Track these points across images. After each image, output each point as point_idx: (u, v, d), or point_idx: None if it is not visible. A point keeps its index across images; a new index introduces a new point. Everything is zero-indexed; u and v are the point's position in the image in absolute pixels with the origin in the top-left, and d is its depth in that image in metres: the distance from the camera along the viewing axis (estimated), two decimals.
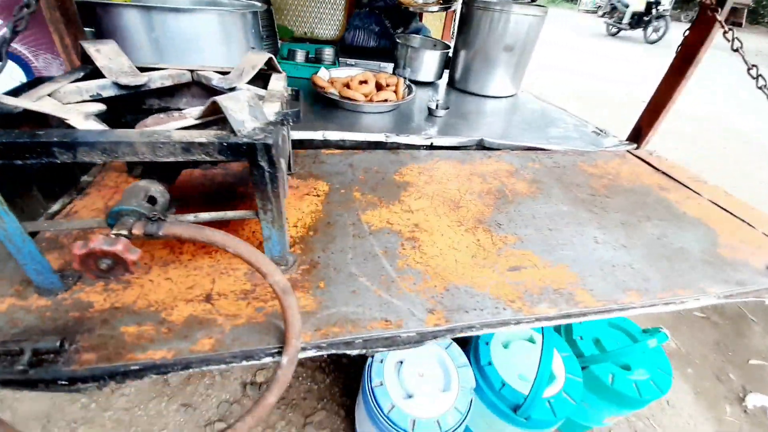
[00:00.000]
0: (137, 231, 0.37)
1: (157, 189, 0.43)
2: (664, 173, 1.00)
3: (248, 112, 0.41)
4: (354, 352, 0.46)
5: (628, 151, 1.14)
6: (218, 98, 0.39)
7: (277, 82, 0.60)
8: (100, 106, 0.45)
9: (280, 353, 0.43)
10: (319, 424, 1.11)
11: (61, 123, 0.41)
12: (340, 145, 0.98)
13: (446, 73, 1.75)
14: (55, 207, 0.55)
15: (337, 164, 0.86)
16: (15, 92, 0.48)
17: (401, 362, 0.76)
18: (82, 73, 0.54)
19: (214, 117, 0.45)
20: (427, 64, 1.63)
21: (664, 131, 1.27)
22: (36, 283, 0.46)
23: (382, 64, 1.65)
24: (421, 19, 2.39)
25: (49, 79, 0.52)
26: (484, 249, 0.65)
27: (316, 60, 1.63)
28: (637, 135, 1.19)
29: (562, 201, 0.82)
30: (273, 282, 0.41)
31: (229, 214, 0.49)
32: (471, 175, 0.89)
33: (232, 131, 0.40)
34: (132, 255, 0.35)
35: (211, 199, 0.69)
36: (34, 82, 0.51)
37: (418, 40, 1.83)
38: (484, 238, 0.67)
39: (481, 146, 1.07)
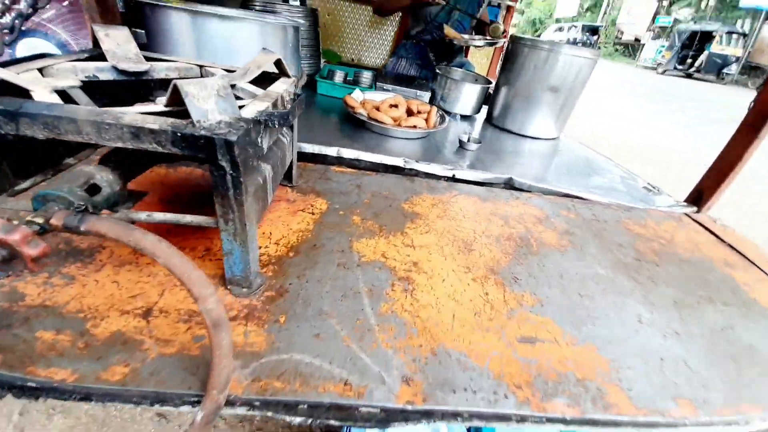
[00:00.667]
0: (55, 221, 0.31)
1: (104, 177, 0.37)
2: (730, 246, 0.83)
3: (215, 102, 0.35)
4: (296, 420, 0.35)
5: (686, 214, 0.97)
6: (180, 81, 0.33)
7: (281, 85, 0.55)
8: (72, 82, 0.41)
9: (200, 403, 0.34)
10: None
11: (26, 95, 0.37)
12: (354, 165, 0.92)
13: (485, 109, 1.69)
14: (24, 185, 0.52)
15: (344, 183, 0.79)
16: (11, 62, 0.46)
17: None
18: (86, 55, 0.52)
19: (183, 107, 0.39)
20: (465, 96, 1.57)
21: (729, 199, 1.08)
22: None
23: (419, 93, 1.62)
24: (466, 55, 2.38)
25: (52, 55, 0.50)
26: (492, 307, 0.53)
27: (353, 82, 1.63)
28: (698, 197, 1.02)
29: (598, 262, 0.68)
30: (203, 310, 0.32)
31: (187, 218, 0.42)
32: (492, 215, 0.77)
33: (192, 122, 0.34)
34: (32, 249, 0.28)
35: (192, 202, 0.63)
36: (38, 56, 0.49)
37: (459, 73, 1.79)
38: (495, 293, 0.56)
39: (510, 186, 0.96)
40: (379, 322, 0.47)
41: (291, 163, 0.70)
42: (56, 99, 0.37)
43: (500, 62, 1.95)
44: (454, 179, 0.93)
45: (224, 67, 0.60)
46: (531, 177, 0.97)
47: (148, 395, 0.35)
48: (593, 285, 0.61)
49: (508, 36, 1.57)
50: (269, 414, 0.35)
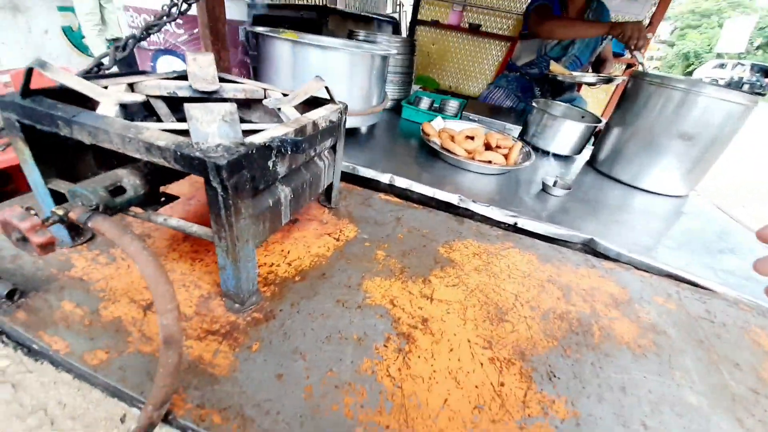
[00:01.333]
0: (72, 215, 0.36)
1: (130, 180, 0.42)
2: None
3: (217, 127, 0.36)
4: None
5: None
6: (188, 105, 0.35)
7: (322, 111, 0.55)
8: (139, 98, 0.48)
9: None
10: None
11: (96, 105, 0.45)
12: (406, 195, 0.87)
13: (589, 151, 1.46)
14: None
15: (384, 213, 0.76)
16: (116, 75, 0.58)
17: None
18: (176, 74, 0.62)
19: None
20: (564, 134, 1.38)
21: None
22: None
23: (508, 125, 1.49)
24: (579, 90, 2.12)
25: (151, 73, 0.61)
26: (503, 405, 0.41)
27: (439, 109, 1.60)
28: None
29: (692, 383, 0.48)
30: (160, 324, 0.33)
31: (194, 228, 0.44)
32: (548, 282, 0.63)
33: (191, 143, 0.36)
34: (38, 237, 0.33)
35: None
36: (140, 72, 0.61)
37: (562, 108, 1.59)
38: (514, 386, 0.44)
39: (589, 249, 0.77)
40: (353, 380, 0.41)
41: (331, 184, 0.70)
42: (115, 112, 0.43)
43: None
44: (514, 228, 0.80)
45: (282, 91, 0.64)
46: (626, 243, 0.77)
47: (110, 387, 0.36)
48: (671, 416, 0.43)
49: (632, 72, 1.33)
50: None
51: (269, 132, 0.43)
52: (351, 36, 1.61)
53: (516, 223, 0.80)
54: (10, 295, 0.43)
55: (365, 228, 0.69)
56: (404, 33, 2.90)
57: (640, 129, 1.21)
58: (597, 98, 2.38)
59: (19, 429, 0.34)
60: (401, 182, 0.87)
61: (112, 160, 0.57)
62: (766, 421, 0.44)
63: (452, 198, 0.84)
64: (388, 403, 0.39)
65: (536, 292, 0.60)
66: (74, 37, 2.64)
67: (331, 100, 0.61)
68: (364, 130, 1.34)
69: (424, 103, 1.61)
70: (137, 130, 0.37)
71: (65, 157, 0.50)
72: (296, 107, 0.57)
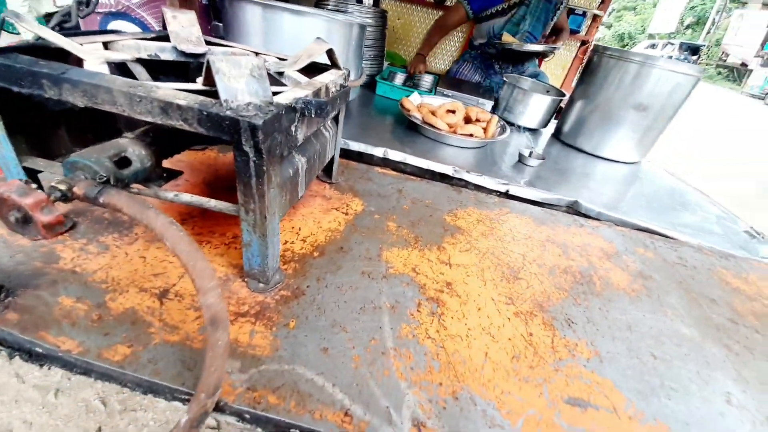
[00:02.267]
0: (78, 190, 0.31)
1: (136, 151, 0.37)
2: None
3: (246, 83, 0.32)
4: None
5: None
6: (213, 57, 0.31)
7: (329, 76, 0.52)
8: (127, 56, 0.42)
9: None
10: None
11: (79, 63, 0.38)
12: (401, 168, 0.87)
13: (554, 124, 1.54)
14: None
15: (385, 186, 0.75)
16: (82, 33, 0.49)
17: None
18: (153, 35, 0.54)
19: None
20: (533, 108, 1.45)
21: None
22: None
23: (482, 101, 1.52)
24: (540, 65, 2.21)
25: (125, 33, 0.53)
26: (536, 352, 0.44)
27: (413, 85, 1.59)
28: None
29: (681, 318, 0.55)
30: (204, 304, 0.30)
31: (212, 203, 0.40)
32: (547, 241, 0.67)
33: (220, 101, 0.32)
34: (45, 216, 0.28)
35: (228, 187, 0.63)
36: (111, 31, 0.52)
37: (529, 83, 1.66)
38: (541, 335, 0.47)
39: (574, 211, 0.83)
40: (397, 345, 0.41)
41: (332, 158, 0.67)
42: (104, 70, 0.37)
43: (578, 74, 1.78)
44: (507, 195, 0.84)
45: (278, 56, 0.59)
46: (602, 204, 0.84)
47: (142, 383, 0.33)
48: (672, 346, 0.49)
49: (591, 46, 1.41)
50: (258, 430, 0.32)
51: (291, 93, 0.40)
52: (319, 4, 1.51)
53: (508, 191, 0.84)
54: None
55: (370, 201, 0.68)
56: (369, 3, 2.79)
57: (600, 101, 1.30)
58: (555, 75, 2.51)
59: None
60: (395, 155, 0.86)
61: (88, 135, 0.49)
62: (746, 345, 0.52)
63: (447, 169, 0.85)
64: (435, 362, 0.40)
65: (539, 252, 0.64)
66: None
67: (335, 65, 0.57)
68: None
69: (399, 78, 1.58)
70: (147, 89, 0.32)
71: (37, 131, 0.42)
72: (300, 72, 0.53)
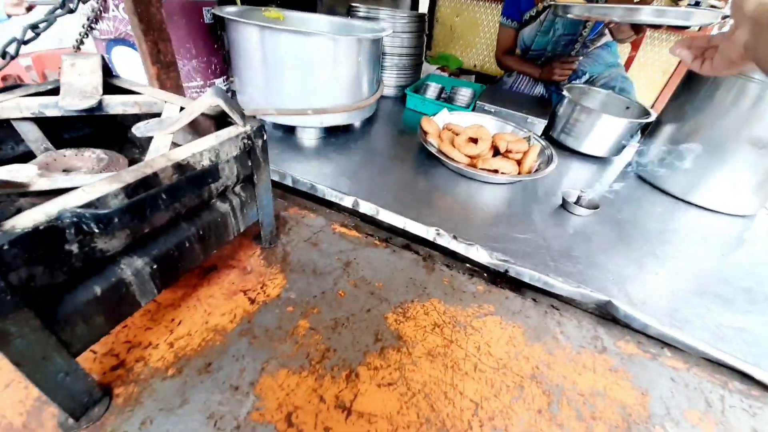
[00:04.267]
0: None
1: None
2: None
3: None
4: None
5: None
6: None
7: (206, 142, 0.39)
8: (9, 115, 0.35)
9: None
10: None
11: None
12: (377, 222, 0.70)
13: (631, 151, 1.19)
14: None
15: (332, 255, 0.60)
16: None
17: None
18: (49, 87, 0.48)
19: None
20: (600, 132, 1.12)
21: None
22: None
23: (531, 119, 1.23)
24: (627, 68, 1.74)
25: (19, 86, 0.48)
26: None
27: (448, 99, 1.37)
28: None
29: None
30: None
31: None
32: (530, 379, 0.45)
33: None
34: None
35: None
36: (10, 86, 0.48)
37: (601, 97, 1.30)
38: None
39: (606, 314, 0.57)
40: None
41: (257, 223, 0.55)
42: None
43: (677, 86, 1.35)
44: (505, 277, 0.61)
45: (184, 105, 0.48)
46: (660, 296, 0.56)
47: None
48: None
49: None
50: None
51: (63, 200, 0.28)
52: (350, 12, 1.39)
53: (507, 271, 0.61)
54: None
55: (296, 281, 0.54)
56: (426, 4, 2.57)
57: (700, 128, 0.93)
58: (652, 80, 1.96)
59: None
60: (366, 207, 0.70)
61: None
62: None
63: (427, 232, 0.66)
64: None
65: (509, 400, 0.42)
66: None
67: (232, 122, 0.44)
68: (357, 125, 1.16)
69: (432, 90, 1.38)
70: None
71: None
72: (190, 129, 0.42)
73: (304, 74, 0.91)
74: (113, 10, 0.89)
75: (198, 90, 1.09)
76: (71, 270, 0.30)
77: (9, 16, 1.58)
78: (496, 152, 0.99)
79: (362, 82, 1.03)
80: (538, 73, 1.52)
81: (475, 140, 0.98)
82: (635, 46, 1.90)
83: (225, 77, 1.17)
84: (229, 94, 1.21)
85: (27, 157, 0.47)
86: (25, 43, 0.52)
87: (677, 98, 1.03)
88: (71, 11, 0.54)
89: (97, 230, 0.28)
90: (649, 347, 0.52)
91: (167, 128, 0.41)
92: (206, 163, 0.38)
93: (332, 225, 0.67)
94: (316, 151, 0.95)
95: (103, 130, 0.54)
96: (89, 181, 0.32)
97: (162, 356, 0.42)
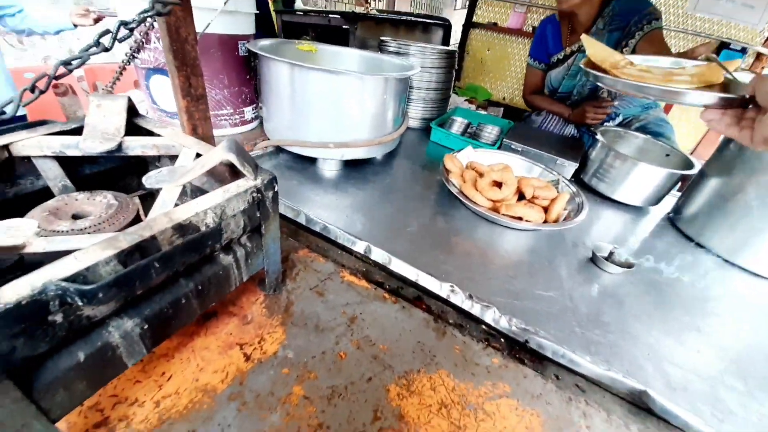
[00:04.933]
0: None
1: None
2: None
3: None
4: None
5: None
6: None
7: (207, 200, 0.38)
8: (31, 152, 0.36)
9: None
10: None
11: None
12: (389, 271, 0.67)
13: (670, 201, 1.10)
14: None
15: (336, 308, 0.56)
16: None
17: None
18: (73, 126, 0.50)
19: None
20: (636, 180, 1.05)
21: None
22: None
23: (561, 161, 1.17)
24: (667, 110, 1.65)
25: (45, 123, 0.50)
26: None
27: (474, 135, 1.34)
28: None
29: None
30: None
31: None
32: None
33: None
34: None
35: None
36: (37, 123, 0.49)
37: (639, 143, 1.23)
38: None
39: (641, 402, 0.50)
40: None
41: (263, 271, 0.53)
42: None
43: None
44: (525, 348, 0.56)
45: (200, 151, 0.48)
46: (701, 386, 0.49)
47: None
48: None
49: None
50: None
51: (53, 270, 0.27)
52: (380, 46, 1.42)
53: (527, 341, 0.55)
54: None
55: (297, 336, 0.51)
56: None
57: (750, 182, 0.86)
58: (695, 125, 1.84)
59: None
60: (378, 255, 0.67)
61: None
62: None
63: (441, 288, 0.61)
64: None
65: None
66: None
67: (242, 175, 0.43)
68: (379, 158, 1.16)
69: (457, 125, 1.36)
70: None
71: None
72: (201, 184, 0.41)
73: (330, 110, 0.92)
74: (154, 42, 0.94)
75: (228, 117, 1.12)
76: (53, 339, 0.28)
77: (75, 25, 1.70)
78: (522, 196, 0.94)
79: (387, 118, 1.03)
80: (568, 113, 1.47)
81: (499, 184, 0.93)
82: None
83: (254, 105, 1.20)
84: (258, 120, 1.25)
85: (45, 192, 0.48)
86: (57, 78, 0.55)
87: (724, 147, 0.95)
88: (106, 50, 0.56)
89: (81, 303, 0.26)
90: None
91: (177, 180, 0.40)
92: (210, 222, 0.37)
93: (341, 272, 0.64)
94: (335, 183, 0.94)
95: (123, 166, 0.55)
96: (85, 243, 0.31)
97: (146, 416, 0.39)
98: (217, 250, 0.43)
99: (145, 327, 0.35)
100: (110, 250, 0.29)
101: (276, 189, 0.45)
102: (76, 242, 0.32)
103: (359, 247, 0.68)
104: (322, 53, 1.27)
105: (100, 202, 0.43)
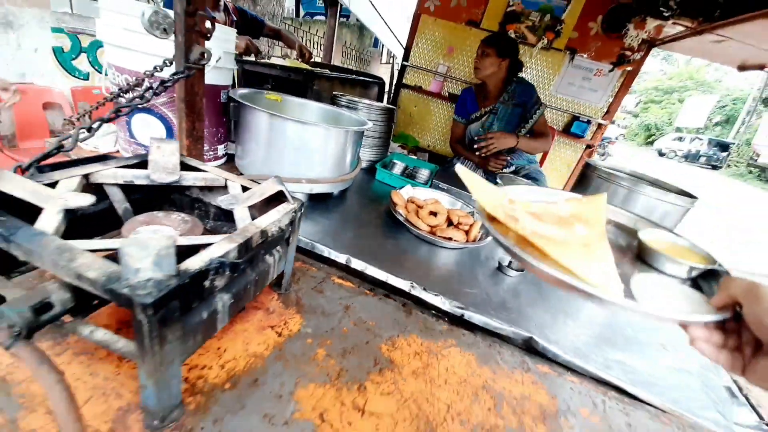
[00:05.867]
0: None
1: (59, 297, 0.42)
2: None
3: (151, 261, 0.38)
4: None
5: None
6: (124, 243, 0.37)
7: (273, 215, 0.58)
8: (85, 201, 0.49)
9: None
10: None
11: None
12: (363, 275, 0.90)
13: None
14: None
15: (334, 301, 0.77)
16: (77, 162, 0.60)
17: None
18: (136, 161, 0.64)
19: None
20: None
21: None
22: None
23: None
24: (543, 160, 2.29)
25: (112, 158, 0.63)
26: None
27: (410, 176, 1.69)
28: None
29: None
30: None
31: (120, 343, 0.44)
32: (482, 389, 0.65)
33: (120, 277, 0.37)
34: None
35: None
36: (100, 157, 0.62)
37: (524, 184, 1.71)
38: None
39: (529, 347, 0.81)
40: None
41: (282, 273, 0.71)
42: (57, 222, 0.44)
43: (574, 182, 1.81)
44: (461, 321, 0.83)
45: (243, 183, 0.67)
46: (567, 341, 0.81)
47: None
48: None
49: (586, 159, 1.47)
50: None
51: (209, 252, 0.45)
52: (333, 100, 1.70)
53: (463, 315, 0.83)
54: None
55: (311, 320, 0.70)
56: (391, 92, 3.09)
57: None
58: (559, 172, 2.58)
59: None
60: (357, 264, 0.90)
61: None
62: None
63: (404, 285, 0.87)
64: None
65: (469, 402, 0.61)
66: (63, 59, 2.66)
67: (286, 199, 0.64)
68: (336, 193, 1.39)
69: (398, 168, 1.69)
70: (71, 256, 0.38)
71: None
72: (252, 206, 0.60)
73: (301, 152, 1.13)
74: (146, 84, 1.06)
75: (204, 153, 1.25)
76: (201, 298, 0.45)
77: None
78: (450, 223, 1.27)
79: (346, 161, 1.29)
80: (477, 160, 1.95)
81: (434, 213, 1.25)
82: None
83: (226, 144, 1.35)
84: (226, 157, 1.39)
85: (108, 211, 0.60)
86: (107, 121, 0.68)
87: (575, 188, 1.44)
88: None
89: (223, 273, 0.44)
90: (558, 369, 0.75)
91: (243, 203, 0.59)
92: (275, 231, 0.57)
93: (331, 277, 0.84)
94: (304, 213, 1.14)
95: (156, 194, 0.69)
96: (215, 240, 0.49)
97: (217, 375, 0.54)
98: (266, 253, 0.61)
99: (231, 302, 0.52)
100: (233, 243, 0.48)
101: (303, 210, 0.66)
102: (205, 240, 0.49)
103: (341, 258, 0.90)
104: (286, 102, 1.50)
105: (175, 219, 0.58)
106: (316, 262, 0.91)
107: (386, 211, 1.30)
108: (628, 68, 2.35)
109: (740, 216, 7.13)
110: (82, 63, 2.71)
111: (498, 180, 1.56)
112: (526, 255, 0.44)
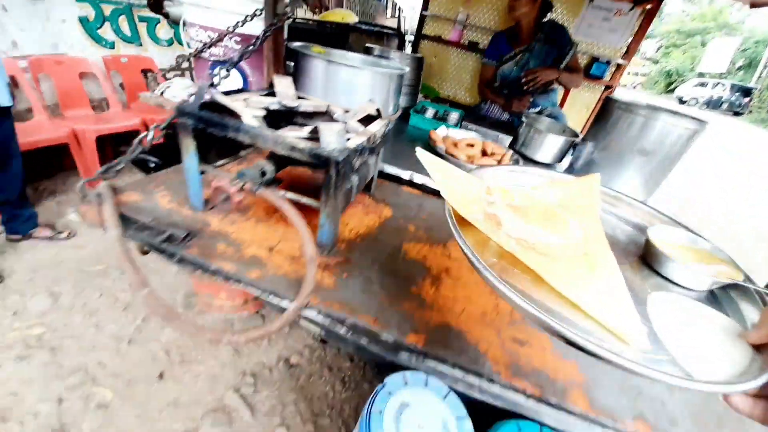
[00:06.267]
0: (247, 186, 0.60)
1: (268, 168, 0.66)
2: None
3: (335, 138, 0.60)
4: (341, 331, 0.57)
5: None
6: (320, 125, 0.59)
7: (376, 125, 0.80)
8: (262, 113, 0.72)
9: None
10: (321, 428, 1.17)
11: (238, 116, 0.69)
12: (423, 188, 1.13)
13: (569, 159, 1.74)
14: (220, 163, 0.87)
15: (409, 200, 1.01)
16: (228, 93, 0.82)
17: (402, 409, 0.63)
18: (265, 92, 0.86)
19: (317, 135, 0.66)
20: (547, 146, 1.66)
21: None
22: (191, 201, 0.75)
23: (501, 136, 1.77)
24: (562, 105, 2.42)
25: (246, 90, 0.85)
26: (498, 313, 0.67)
27: (441, 119, 1.87)
28: None
29: None
30: (306, 250, 0.57)
31: (303, 200, 0.69)
32: None
33: (320, 146, 0.60)
34: (237, 197, 0.57)
35: (304, 190, 0.92)
36: (239, 90, 0.84)
37: (546, 123, 1.88)
38: (505, 308, 0.69)
39: None
40: (405, 296, 0.66)
41: (372, 178, 0.95)
42: (255, 122, 0.67)
43: (593, 117, 1.96)
44: None
45: (343, 108, 0.88)
46: None
47: (268, 289, 0.61)
48: None
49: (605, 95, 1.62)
50: (327, 323, 0.58)
51: (355, 140, 0.68)
52: (367, 51, 1.85)
53: None
54: (186, 237, 0.66)
55: (397, 210, 0.94)
56: (408, 45, 3.16)
57: (609, 144, 1.50)
58: (579, 113, 2.70)
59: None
60: (419, 178, 1.13)
61: (226, 152, 0.81)
62: None
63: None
64: (429, 307, 0.64)
65: None
66: (89, 28, 2.69)
67: (380, 116, 0.86)
68: None
69: (430, 112, 1.88)
70: (282, 137, 0.62)
71: (203, 151, 0.74)
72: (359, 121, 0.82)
73: (352, 95, 1.31)
74: (227, 41, 1.25)
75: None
76: (351, 172, 0.68)
77: None
78: (484, 153, 1.47)
79: (390, 103, 1.48)
80: (503, 102, 2.10)
81: (471, 145, 1.46)
82: (567, 91, 2.64)
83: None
84: None
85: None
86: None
87: (594, 125, 1.61)
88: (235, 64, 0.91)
89: (363, 154, 0.67)
90: None
91: (353, 117, 0.81)
92: (379, 135, 0.79)
93: (402, 187, 1.08)
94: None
95: (284, 117, 0.91)
96: (361, 128, 0.72)
97: (349, 233, 0.80)
98: (370, 153, 0.84)
99: (357, 184, 0.76)
100: (363, 138, 0.70)
101: (391, 125, 0.88)
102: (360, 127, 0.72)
103: (406, 174, 1.13)
104: (330, 54, 1.66)
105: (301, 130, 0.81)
106: (384, 181, 1.15)
107: (424, 149, 1.50)
108: (648, 6, 2.38)
109: (761, 163, 7.06)
110: (106, 32, 2.75)
111: (523, 118, 1.73)
112: (511, 292, 0.34)
